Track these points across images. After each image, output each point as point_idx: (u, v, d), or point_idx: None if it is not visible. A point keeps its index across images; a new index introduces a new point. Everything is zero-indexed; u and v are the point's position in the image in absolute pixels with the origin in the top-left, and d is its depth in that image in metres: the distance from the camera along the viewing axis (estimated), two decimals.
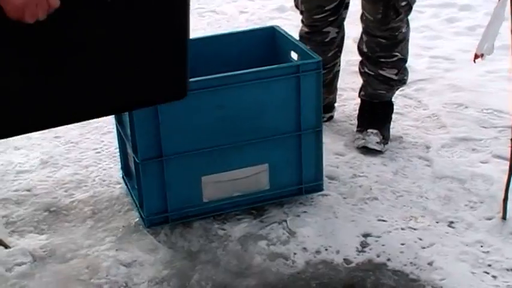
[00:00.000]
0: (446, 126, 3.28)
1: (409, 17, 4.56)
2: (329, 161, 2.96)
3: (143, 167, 2.47)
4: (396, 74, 3.04)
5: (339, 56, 3.20)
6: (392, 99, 3.22)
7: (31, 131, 1.93)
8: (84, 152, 3.11)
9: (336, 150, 3.06)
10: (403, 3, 2.89)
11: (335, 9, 3.01)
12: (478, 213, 2.65)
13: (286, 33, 2.79)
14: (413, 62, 3.91)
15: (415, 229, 2.58)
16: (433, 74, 3.80)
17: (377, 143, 3.02)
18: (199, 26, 4.56)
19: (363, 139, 3.03)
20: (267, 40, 2.83)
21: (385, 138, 3.07)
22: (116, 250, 2.49)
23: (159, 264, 2.43)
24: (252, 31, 2.96)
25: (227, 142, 2.52)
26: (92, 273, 2.39)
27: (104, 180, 2.91)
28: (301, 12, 3.06)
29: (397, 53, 3.00)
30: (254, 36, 2.85)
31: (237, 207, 2.64)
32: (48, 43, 1.70)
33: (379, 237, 2.54)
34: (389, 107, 3.16)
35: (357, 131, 3.12)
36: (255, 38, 2.83)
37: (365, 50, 3.04)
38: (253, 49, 2.81)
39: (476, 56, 2.50)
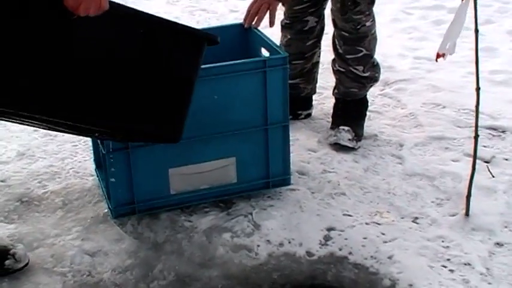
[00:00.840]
0: (422, 126, 3.30)
1: (397, 18, 4.64)
2: (301, 156, 2.99)
3: (110, 158, 2.50)
4: (364, 71, 3.06)
5: (318, 47, 3.23)
6: (372, 99, 3.23)
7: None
8: (62, 145, 3.15)
9: (309, 147, 3.09)
10: None
11: (315, 1, 3.06)
12: (443, 209, 2.68)
13: (258, 30, 2.82)
14: (396, 63, 3.95)
15: (379, 224, 2.61)
16: (414, 75, 3.82)
17: (349, 140, 3.03)
18: (189, 24, 4.58)
19: (335, 136, 3.05)
20: (239, 36, 2.86)
21: (358, 136, 3.08)
22: (82, 240, 2.53)
23: (123, 254, 2.47)
24: (224, 27, 2.98)
25: (194, 135, 2.55)
26: (56, 261, 2.43)
27: (78, 172, 2.95)
28: (283, 4, 3.10)
29: (362, 49, 3.02)
30: (226, 31, 2.86)
31: (205, 199, 2.67)
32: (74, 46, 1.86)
33: (342, 231, 2.57)
34: (362, 104, 3.18)
35: (330, 128, 3.14)
36: (228, 34, 2.85)
37: (335, 44, 3.07)
38: (226, 44, 2.82)
39: (438, 55, 2.51)
